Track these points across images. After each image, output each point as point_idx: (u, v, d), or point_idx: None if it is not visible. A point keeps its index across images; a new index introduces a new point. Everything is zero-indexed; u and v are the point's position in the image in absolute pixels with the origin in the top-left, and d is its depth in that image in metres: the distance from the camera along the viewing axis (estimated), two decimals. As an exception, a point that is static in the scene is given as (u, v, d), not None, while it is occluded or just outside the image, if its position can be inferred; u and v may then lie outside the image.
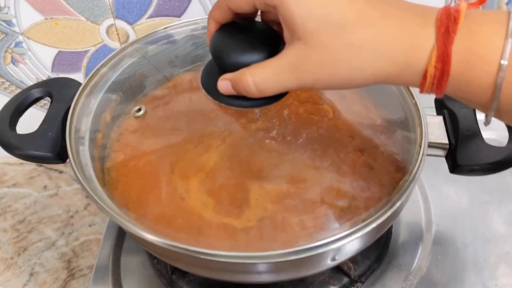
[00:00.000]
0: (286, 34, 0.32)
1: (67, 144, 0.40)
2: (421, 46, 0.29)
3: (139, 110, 0.42)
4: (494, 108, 0.29)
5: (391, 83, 0.31)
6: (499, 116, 0.30)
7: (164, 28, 0.51)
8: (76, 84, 0.47)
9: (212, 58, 0.38)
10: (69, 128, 0.41)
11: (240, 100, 0.38)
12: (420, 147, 0.39)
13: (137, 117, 0.42)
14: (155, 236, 0.34)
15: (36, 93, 0.46)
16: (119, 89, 0.46)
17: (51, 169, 0.74)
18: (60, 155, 0.42)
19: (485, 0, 0.32)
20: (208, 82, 0.40)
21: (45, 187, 0.72)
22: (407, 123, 0.42)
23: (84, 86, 0.45)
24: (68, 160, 0.44)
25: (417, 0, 0.32)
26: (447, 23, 0.28)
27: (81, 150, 0.44)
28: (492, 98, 0.29)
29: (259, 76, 0.33)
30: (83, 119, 0.43)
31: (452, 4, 0.30)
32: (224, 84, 0.35)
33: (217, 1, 0.35)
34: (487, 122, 0.31)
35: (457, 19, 0.28)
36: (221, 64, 0.38)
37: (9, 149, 0.42)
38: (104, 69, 0.47)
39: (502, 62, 0.27)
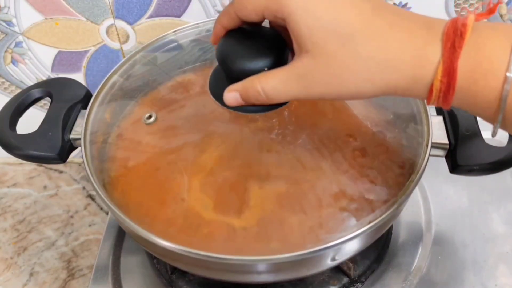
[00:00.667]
0: (295, 46, 0.32)
1: (82, 153, 0.41)
2: (427, 60, 0.29)
3: (150, 117, 0.42)
4: (500, 120, 0.29)
5: (399, 95, 0.31)
6: (504, 127, 0.30)
7: (173, 32, 0.52)
8: (76, 84, 0.47)
9: (219, 64, 0.39)
10: (84, 135, 0.42)
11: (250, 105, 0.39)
12: (427, 146, 0.39)
13: (148, 124, 0.42)
14: (166, 241, 0.35)
15: (36, 93, 0.46)
16: (122, 91, 0.46)
17: (51, 169, 0.74)
18: (60, 155, 0.42)
19: (493, 11, 0.31)
20: (216, 87, 0.41)
21: (45, 187, 0.72)
22: (409, 123, 0.42)
23: (97, 93, 0.45)
24: (67, 160, 0.44)
25: (419, 1, 0.33)
26: (453, 38, 0.28)
27: (80, 150, 0.44)
28: (497, 110, 0.29)
29: (268, 84, 0.33)
30: (82, 121, 0.44)
31: (452, 8, 0.30)
32: (232, 95, 0.35)
33: (226, 7, 0.36)
34: (494, 133, 0.31)
35: (463, 34, 0.28)
36: (227, 71, 0.38)
37: (9, 149, 0.42)
38: (115, 77, 0.47)
39: (508, 74, 0.28)
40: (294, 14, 0.30)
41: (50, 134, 0.42)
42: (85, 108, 0.45)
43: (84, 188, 0.71)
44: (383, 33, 0.30)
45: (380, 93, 0.31)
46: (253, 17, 0.34)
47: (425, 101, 0.31)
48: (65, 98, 0.45)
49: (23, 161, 0.43)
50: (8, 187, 0.72)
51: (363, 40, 0.30)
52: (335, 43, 0.30)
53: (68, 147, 0.43)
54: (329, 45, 0.30)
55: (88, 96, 0.47)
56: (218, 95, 0.41)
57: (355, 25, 0.30)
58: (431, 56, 0.29)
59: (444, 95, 0.29)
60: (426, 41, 0.29)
